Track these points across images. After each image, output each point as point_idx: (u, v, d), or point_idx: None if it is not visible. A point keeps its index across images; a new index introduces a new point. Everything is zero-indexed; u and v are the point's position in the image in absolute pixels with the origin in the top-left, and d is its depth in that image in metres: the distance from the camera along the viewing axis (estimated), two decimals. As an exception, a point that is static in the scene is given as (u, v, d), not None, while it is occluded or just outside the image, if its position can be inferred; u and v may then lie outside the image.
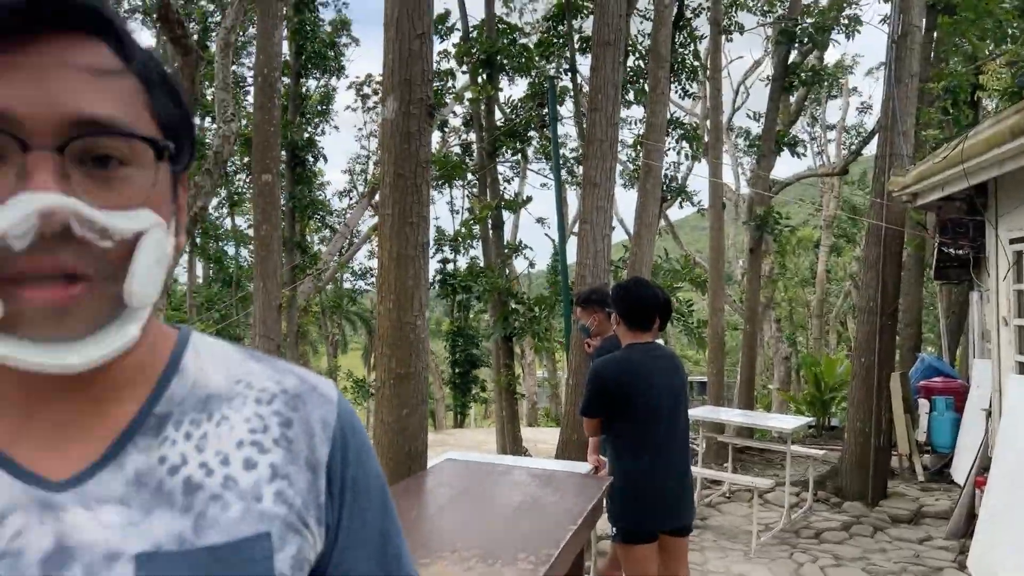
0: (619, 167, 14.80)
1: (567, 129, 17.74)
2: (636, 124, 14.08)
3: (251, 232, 12.35)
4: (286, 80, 14.45)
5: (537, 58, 13.10)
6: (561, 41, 12.96)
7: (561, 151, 14.14)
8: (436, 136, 15.45)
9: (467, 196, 17.33)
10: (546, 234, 30.88)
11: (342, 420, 0.71)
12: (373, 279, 19.18)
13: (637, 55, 12.29)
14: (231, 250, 20.35)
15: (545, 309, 12.57)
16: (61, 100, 0.54)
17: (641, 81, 12.03)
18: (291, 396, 0.70)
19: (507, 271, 13.81)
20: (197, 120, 16.55)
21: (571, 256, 7.91)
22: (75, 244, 0.54)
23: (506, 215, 14.71)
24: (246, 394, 0.69)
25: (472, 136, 14.57)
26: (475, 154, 14.23)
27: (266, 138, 7.65)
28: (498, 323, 12.65)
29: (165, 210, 0.61)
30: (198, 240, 18.70)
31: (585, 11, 12.49)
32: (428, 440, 4.15)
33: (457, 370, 16.17)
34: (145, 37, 16.98)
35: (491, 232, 13.52)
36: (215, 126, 8.65)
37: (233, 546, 0.61)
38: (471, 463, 3.29)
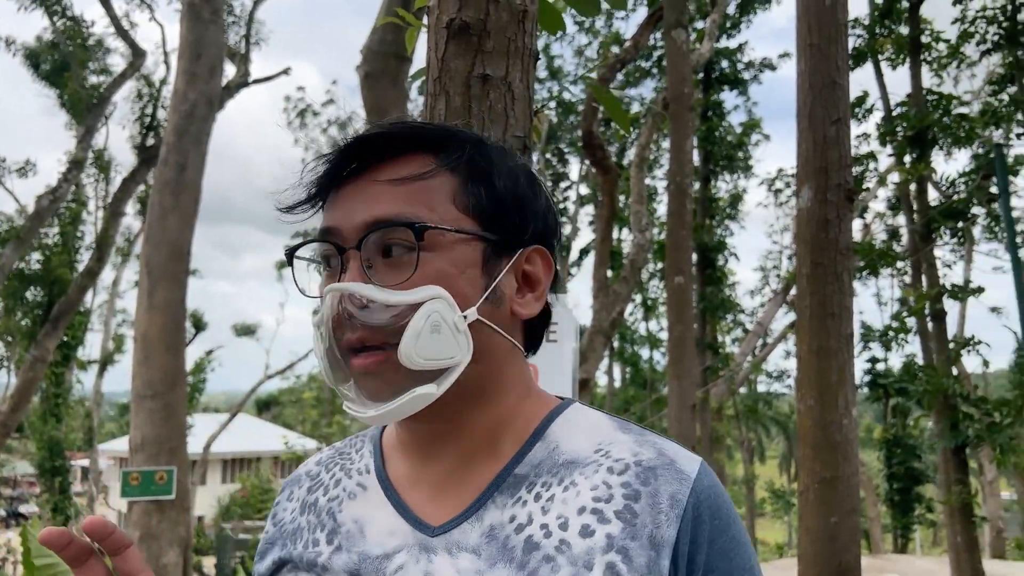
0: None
1: (1025, 202, 15.00)
2: None
3: (664, 335, 12.84)
4: (695, 185, 15.03)
5: (981, 128, 11.50)
6: (1012, 107, 11.23)
7: (1018, 227, 11.98)
8: (857, 224, 14.38)
9: (898, 286, 15.65)
10: (1005, 325, 26.02)
11: (697, 498, 0.67)
12: (790, 381, 18.24)
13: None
14: (646, 353, 21.39)
15: (1010, 414, 10.44)
16: (361, 210, 0.70)
17: None
18: (644, 469, 0.68)
19: (954, 370, 11.88)
20: (616, 232, 18.10)
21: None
22: (362, 320, 0.67)
23: (949, 305, 12.80)
24: (601, 462, 0.70)
25: (900, 220, 13.25)
26: (904, 239, 12.87)
27: (678, 241, 7.94)
28: (946, 431, 10.87)
29: (461, 284, 0.69)
30: (615, 344, 20.01)
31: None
32: (863, 562, 3.66)
33: (895, 485, 14.22)
34: (573, 162, 19.37)
35: (930, 325, 11.86)
36: (630, 236, 9.31)
37: None
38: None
